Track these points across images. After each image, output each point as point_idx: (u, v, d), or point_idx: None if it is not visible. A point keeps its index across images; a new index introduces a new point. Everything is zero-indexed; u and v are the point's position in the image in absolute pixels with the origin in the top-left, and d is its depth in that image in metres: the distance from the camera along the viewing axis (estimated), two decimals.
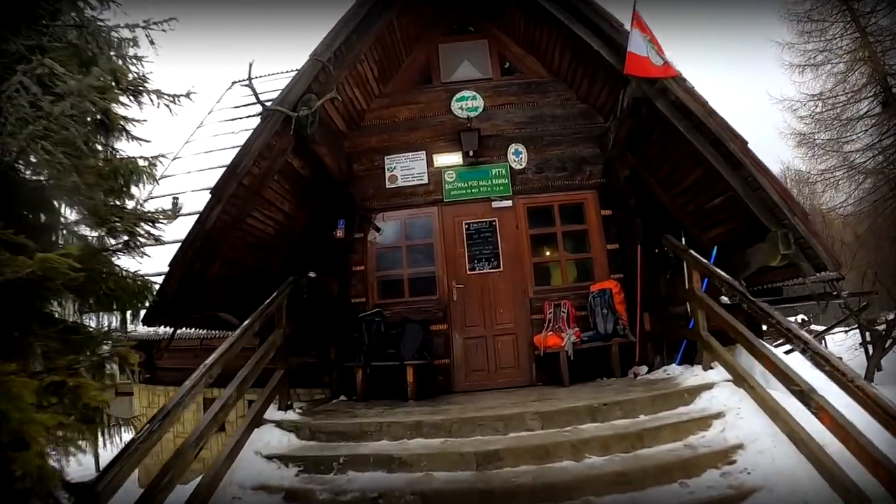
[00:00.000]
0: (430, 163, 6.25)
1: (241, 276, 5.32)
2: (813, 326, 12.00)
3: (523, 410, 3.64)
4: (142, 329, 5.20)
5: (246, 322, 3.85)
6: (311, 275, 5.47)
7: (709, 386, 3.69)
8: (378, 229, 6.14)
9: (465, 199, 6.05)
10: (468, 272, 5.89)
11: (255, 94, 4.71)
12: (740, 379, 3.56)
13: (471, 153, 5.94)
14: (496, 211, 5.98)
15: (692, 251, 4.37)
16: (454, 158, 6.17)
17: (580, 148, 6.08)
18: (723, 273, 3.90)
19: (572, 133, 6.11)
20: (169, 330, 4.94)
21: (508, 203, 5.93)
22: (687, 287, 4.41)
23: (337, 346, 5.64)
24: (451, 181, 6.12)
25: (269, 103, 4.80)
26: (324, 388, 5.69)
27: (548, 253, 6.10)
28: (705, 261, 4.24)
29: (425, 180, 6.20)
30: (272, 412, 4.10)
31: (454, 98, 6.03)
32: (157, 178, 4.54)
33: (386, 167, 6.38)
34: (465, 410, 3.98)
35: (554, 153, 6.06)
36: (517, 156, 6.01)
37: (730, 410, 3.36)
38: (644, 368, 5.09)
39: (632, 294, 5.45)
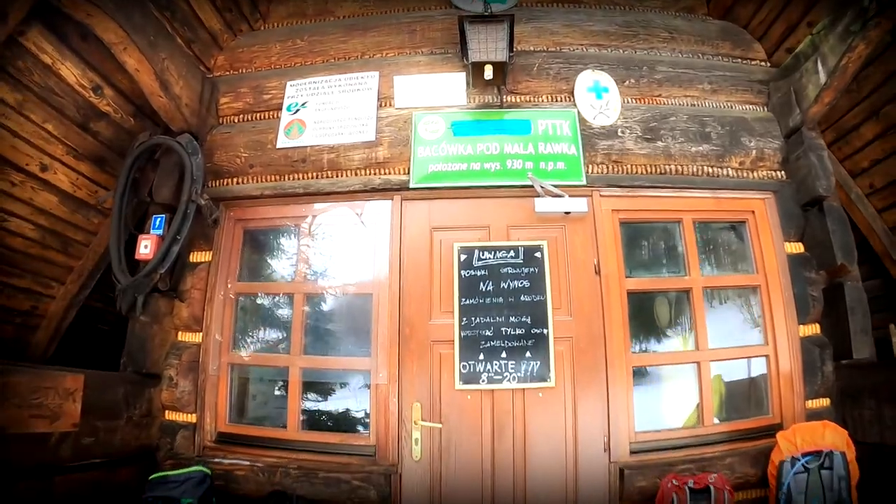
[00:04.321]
0: (384, 97, 2.62)
1: None
2: None
3: None
4: None
5: None
6: None
7: None
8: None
9: (462, 188, 2.39)
10: (460, 385, 2.12)
11: None
12: None
13: (488, 78, 2.35)
14: (542, 223, 2.32)
15: None
16: (445, 92, 2.57)
17: (732, 100, 2.68)
18: None
19: (710, 68, 2.73)
20: None
21: (575, 204, 2.26)
22: None
23: None
24: (432, 140, 2.46)
25: None
26: None
27: (667, 342, 2.46)
28: None
29: (368, 135, 2.54)
30: None
31: None
32: None
33: (286, 104, 2.69)
34: None
35: (679, 102, 2.61)
36: (598, 96, 2.49)
37: None
38: None
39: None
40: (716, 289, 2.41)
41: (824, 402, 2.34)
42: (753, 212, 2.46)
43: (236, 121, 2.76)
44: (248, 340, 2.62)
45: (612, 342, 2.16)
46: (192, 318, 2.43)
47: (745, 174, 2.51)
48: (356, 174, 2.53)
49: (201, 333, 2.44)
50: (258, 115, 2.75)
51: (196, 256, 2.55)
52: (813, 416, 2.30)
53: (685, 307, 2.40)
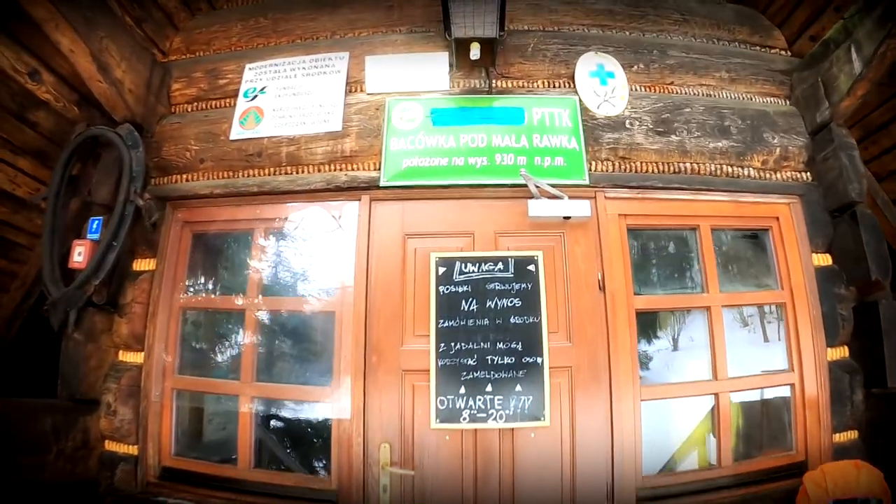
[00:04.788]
0: (354, 81, 2.25)
1: None
2: None
3: None
4: None
5: None
6: None
7: None
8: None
9: (442, 186, 2.02)
10: (437, 424, 1.75)
11: None
12: None
13: (475, 59, 1.98)
14: (537, 229, 1.96)
15: None
16: (425, 74, 2.20)
17: (752, 91, 2.35)
18: None
19: (727, 54, 2.40)
20: None
21: (577, 208, 1.90)
22: None
23: None
24: (408, 130, 2.09)
25: None
26: None
27: (678, 367, 2.13)
28: None
29: (334, 124, 2.16)
30: None
31: None
32: None
33: (242, 89, 2.31)
34: None
35: (694, 92, 2.27)
36: (602, 82, 2.14)
37: None
38: None
39: None
40: (735, 307, 2.08)
41: (852, 434, 2.05)
42: (778, 218, 2.14)
43: (189, 109, 2.38)
44: (196, 363, 2.25)
45: (618, 372, 1.82)
46: (133, 336, 2.09)
47: (767, 175, 2.19)
48: (319, 170, 2.15)
49: (143, 354, 2.08)
50: (212, 102, 2.37)
51: (139, 264, 2.19)
52: (839, 450, 2.01)
53: (701, 328, 2.07)
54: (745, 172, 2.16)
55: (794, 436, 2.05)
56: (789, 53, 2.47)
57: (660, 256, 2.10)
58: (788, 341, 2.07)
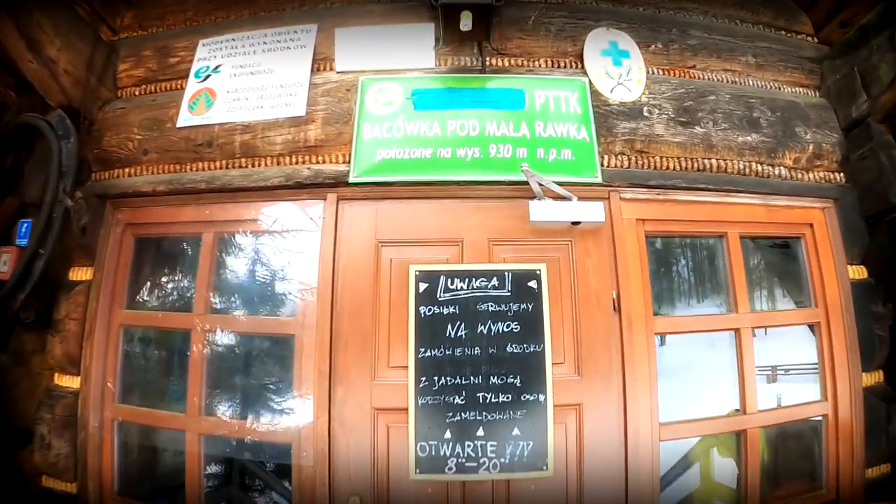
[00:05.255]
0: (322, 57, 1.89)
1: None
2: None
3: None
4: None
5: None
6: None
7: None
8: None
9: (425, 183, 1.66)
10: (417, 475, 1.41)
11: None
12: None
13: (466, 30, 1.63)
14: (540, 237, 1.62)
15: None
16: (405, 50, 1.85)
17: (780, 80, 2.06)
18: None
19: (753, 37, 2.11)
20: None
21: (588, 211, 1.55)
22: None
23: None
24: (384, 115, 1.73)
25: None
26: None
27: (697, 394, 1.84)
28: None
29: (296, 108, 1.80)
30: None
31: None
32: None
33: (194, 68, 1.95)
34: None
35: (718, 78, 1.96)
36: (616, 62, 1.81)
37: None
38: None
39: None
40: (767, 328, 1.80)
41: (884, 468, 1.82)
42: (811, 225, 1.86)
43: (137, 93, 2.05)
44: (141, 390, 1.94)
45: (635, 409, 1.51)
46: (68, 357, 1.79)
47: (799, 175, 1.91)
48: (278, 162, 1.79)
49: (79, 378, 1.78)
50: (161, 84, 2.03)
51: (76, 274, 1.89)
52: (871, 486, 1.77)
53: (724, 348, 1.78)
54: (776, 172, 1.87)
55: (824, 473, 1.80)
56: (816, 41, 2.20)
57: (678, 266, 1.80)
58: (822, 367, 1.80)
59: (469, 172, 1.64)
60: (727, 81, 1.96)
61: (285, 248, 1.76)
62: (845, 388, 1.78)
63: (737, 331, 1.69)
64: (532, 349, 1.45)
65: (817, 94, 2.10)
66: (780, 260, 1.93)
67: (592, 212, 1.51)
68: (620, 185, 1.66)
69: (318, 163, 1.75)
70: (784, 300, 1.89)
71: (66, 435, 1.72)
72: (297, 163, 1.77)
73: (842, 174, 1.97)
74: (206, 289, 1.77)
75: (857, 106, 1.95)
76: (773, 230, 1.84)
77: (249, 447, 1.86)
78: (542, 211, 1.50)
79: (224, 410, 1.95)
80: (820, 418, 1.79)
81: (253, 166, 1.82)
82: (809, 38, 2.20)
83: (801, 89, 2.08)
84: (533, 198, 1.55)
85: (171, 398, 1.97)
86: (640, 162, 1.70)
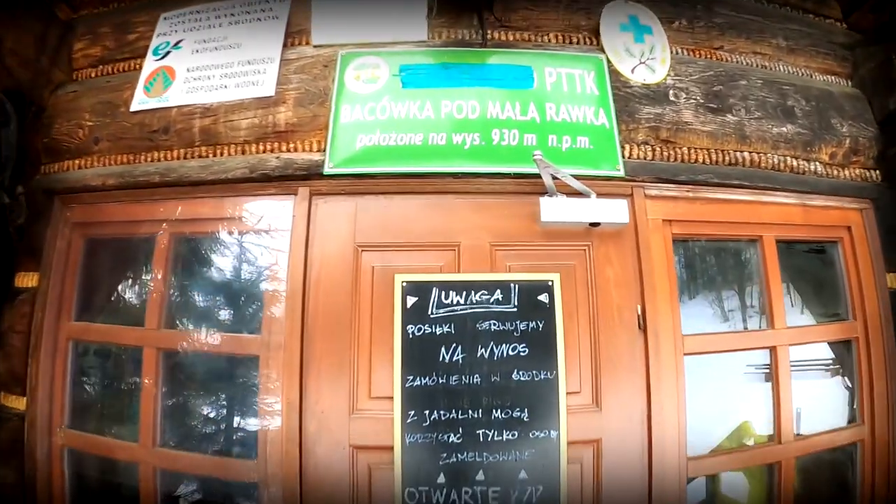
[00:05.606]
0: (297, 30, 1.61)
1: None
2: None
3: None
4: None
5: None
6: None
7: None
8: None
9: (414, 175, 1.38)
10: None
11: None
12: None
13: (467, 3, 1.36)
14: (552, 241, 1.36)
15: None
16: (393, 20, 1.57)
17: (811, 66, 1.85)
18: None
19: (783, 19, 1.89)
20: None
21: (610, 210, 1.30)
22: None
23: None
24: (366, 95, 1.45)
25: None
26: None
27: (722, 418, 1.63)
28: None
29: (265, 87, 1.52)
30: None
31: None
32: None
33: (153, 45, 1.67)
34: None
35: (748, 61, 1.73)
36: (637, 38, 1.57)
37: None
38: None
39: None
40: (803, 345, 1.58)
41: None
42: (849, 228, 1.66)
43: (93, 75, 1.79)
44: (93, 413, 1.72)
45: (662, 443, 1.28)
46: (12, 375, 1.59)
47: (835, 172, 1.71)
48: (242, 151, 1.52)
49: (25, 399, 1.55)
50: (118, 65, 1.77)
51: (21, 280, 1.67)
52: None
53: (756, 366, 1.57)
54: (812, 168, 1.66)
55: (857, 501, 1.62)
56: (845, 26, 2.00)
57: (707, 270, 1.58)
58: (861, 388, 1.61)
59: (467, 162, 1.38)
60: (757, 66, 1.73)
61: (249, 252, 1.49)
62: (883, 411, 1.60)
63: (773, 349, 1.47)
64: (542, 376, 1.21)
65: (849, 83, 1.90)
66: (813, 267, 1.72)
67: (615, 211, 1.27)
68: (645, 180, 1.42)
69: (288, 151, 1.47)
70: (820, 313, 1.69)
71: (12, 463, 1.53)
72: (263, 151, 1.50)
73: (877, 171, 1.78)
74: (160, 300, 1.50)
75: (894, 97, 1.75)
76: (809, 233, 1.62)
77: (211, 484, 1.60)
78: (555, 210, 1.25)
79: (181, 441, 1.67)
80: (857, 445, 1.61)
81: (214, 156, 1.55)
82: (839, 24, 2.00)
83: (833, 77, 1.88)
84: (544, 193, 1.30)
85: (128, 422, 1.69)
86: (666, 153, 1.46)
